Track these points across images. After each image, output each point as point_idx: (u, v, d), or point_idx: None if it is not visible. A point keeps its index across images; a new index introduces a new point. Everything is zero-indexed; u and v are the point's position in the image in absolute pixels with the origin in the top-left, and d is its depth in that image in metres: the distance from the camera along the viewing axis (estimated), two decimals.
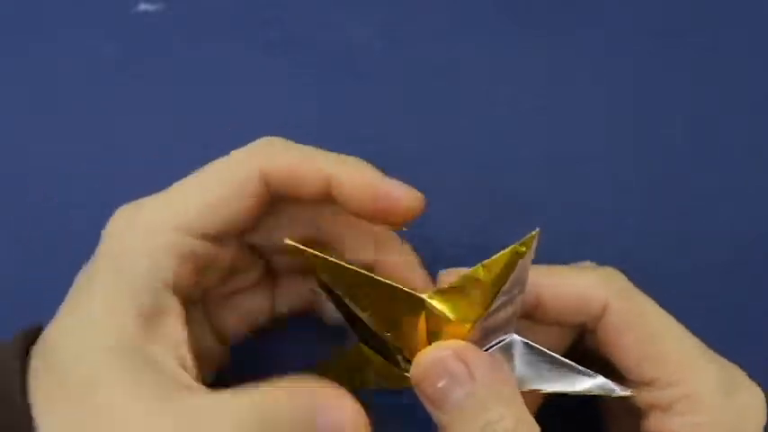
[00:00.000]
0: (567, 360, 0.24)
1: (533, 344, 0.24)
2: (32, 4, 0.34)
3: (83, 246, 0.32)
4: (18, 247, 0.32)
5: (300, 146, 0.25)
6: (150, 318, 0.22)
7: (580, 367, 0.24)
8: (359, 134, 0.33)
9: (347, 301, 0.23)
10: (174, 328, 0.23)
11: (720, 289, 0.32)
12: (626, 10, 0.34)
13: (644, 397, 0.24)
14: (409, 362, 0.23)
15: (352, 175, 0.24)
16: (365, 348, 0.25)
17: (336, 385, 0.22)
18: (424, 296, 0.23)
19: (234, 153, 0.25)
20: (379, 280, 0.23)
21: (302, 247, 0.23)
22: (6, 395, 0.21)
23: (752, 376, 0.25)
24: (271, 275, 0.29)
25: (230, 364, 0.28)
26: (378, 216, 0.24)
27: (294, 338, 0.31)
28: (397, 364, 0.24)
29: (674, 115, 0.33)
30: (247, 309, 0.28)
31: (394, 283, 0.23)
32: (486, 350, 0.24)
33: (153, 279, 0.23)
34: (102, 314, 0.22)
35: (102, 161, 0.33)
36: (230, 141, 0.33)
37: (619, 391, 0.23)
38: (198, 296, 0.26)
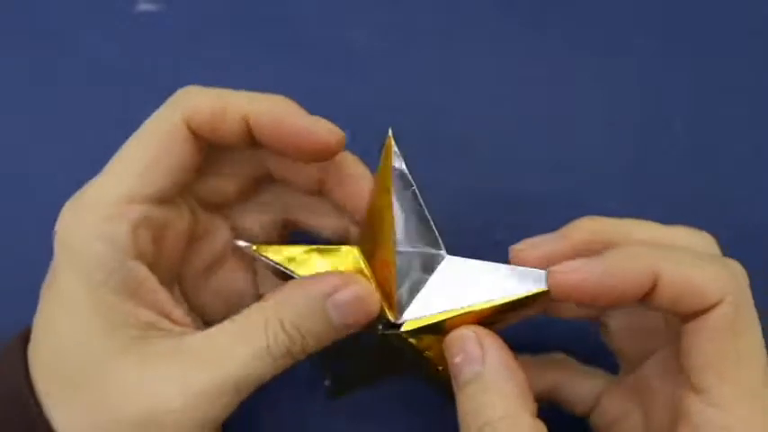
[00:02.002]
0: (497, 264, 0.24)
1: (461, 258, 0.25)
2: (33, 5, 0.34)
3: None
4: (17, 246, 0.32)
5: (219, 89, 0.25)
6: (132, 294, 0.23)
7: (517, 268, 0.24)
8: (359, 134, 0.33)
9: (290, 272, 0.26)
10: (161, 296, 0.24)
11: None
12: (626, 10, 0.34)
13: (688, 398, 0.23)
14: None
15: (269, 113, 0.24)
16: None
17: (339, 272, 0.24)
18: (351, 247, 0.25)
19: (156, 112, 0.25)
20: (309, 247, 0.26)
21: (244, 244, 0.26)
22: (18, 397, 0.22)
23: None
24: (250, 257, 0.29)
25: None
26: (297, 152, 0.25)
27: None
28: None
29: (674, 115, 0.33)
30: (227, 290, 0.28)
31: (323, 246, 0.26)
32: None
33: (115, 256, 0.23)
34: (87, 313, 0.23)
35: (103, 161, 0.33)
36: None
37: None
38: (172, 273, 0.26)
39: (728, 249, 0.32)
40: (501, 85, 0.34)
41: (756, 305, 0.32)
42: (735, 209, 0.33)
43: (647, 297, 0.23)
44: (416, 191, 0.24)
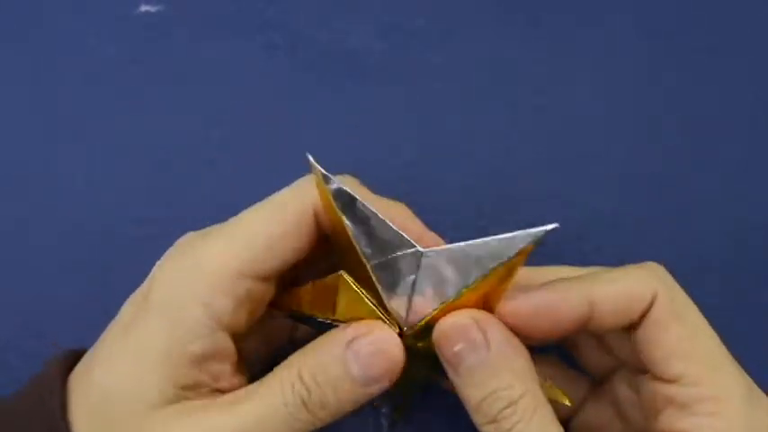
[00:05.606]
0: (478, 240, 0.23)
1: (439, 247, 0.24)
2: (35, 6, 0.34)
3: (82, 244, 0.32)
4: (16, 246, 0.32)
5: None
6: (203, 361, 0.23)
7: (496, 236, 0.23)
8: (359, 134, 0.33)
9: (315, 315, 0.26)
10: (225, 367, 0.24)
11: (720, 289, 0.32)
12: (626, 10, 0.34)
13: (664, 392, 0.24)
14: None
15: (393, 220, 0.24)
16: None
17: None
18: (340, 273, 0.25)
19: (288, 190, 0.25)
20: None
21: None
22: (49, 415, 0.23)
23: (752, 376, 0.25)
24: None
25: None
26: None
27: None
28: None
29: (674, 115, 0.33)
30: (268, 334, 0.28)
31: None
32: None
33: (209, 325, 0.23)
34: (156, 364, 0.23)
35: (103, 161, 0.33)
36: (230, 141, 0.33)
37: (545, 228, 0.23)
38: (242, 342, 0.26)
39: (728, 249, 0.32)
40: (501, 84, 0.34)
41: (752, 304, 0.32)
42: (734, 209, 0.33)
43: (586, 322, 0.24)
44: (362, 202, 0.23)
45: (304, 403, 0.23)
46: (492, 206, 0.33)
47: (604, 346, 0.28)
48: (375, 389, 0.23)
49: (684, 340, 0.24)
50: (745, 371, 0.25)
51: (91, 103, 0.33)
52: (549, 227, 0.22)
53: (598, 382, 0.29)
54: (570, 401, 0.25)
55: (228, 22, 0.34)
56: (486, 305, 0.24)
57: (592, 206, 0.33)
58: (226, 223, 0.25)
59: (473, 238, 0.30)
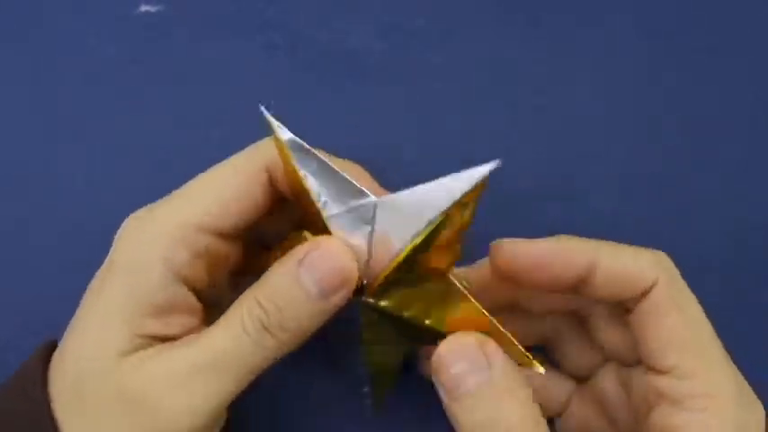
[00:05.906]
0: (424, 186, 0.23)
1: (392, 194, 0.23)
2: (35, 6, 0.34)
3: (82, 244, 0.32)
4: (16, 246, 0.32)
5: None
6: (167, 313, 0.24)
7: (446, 177, 0.23)
8: (359, 134, 0.33)
9: None
10: (192, 321, 0.24)
11: (720, 289, 0.32)
12: (626, 10, 0.34)
13: (656, 384, 0.24)
14: None
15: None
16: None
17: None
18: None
19: (242, 152, 0.26)
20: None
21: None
22: (32, 404, 0.23)
23: (752, 376, 0.25)
24: None
25: None
26: None
27: None
28: None
29: (674, 115, 0.33)
30: None
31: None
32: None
33: (168, 276, 0.23)
34: (123, 323, 0.23)
35: (103, 161, 0.33)
36: (230, 141, 0.33)
37: (488, 166, 0.22)
38: (211, 303, 0.26)
39: (728, 250, 0.32)
40: (501, 84, 0.34)
41: (752, 304, 0.32)
42: (734, 209, 0.33)
43: (583, 284, 0.24)
44: (315, 152, 0.23)
45: (265, 328, 0.23)
46: (491, 205, 0.33)
47: (592, 339, 0.28)
48: (336, 300, 0.23)
49: (681, 330, 0.24)
50: (745, 371, 0.25)
51: (91, 103, 0.33)
52: (493, 164, 0.22)
53: (583, 380, 0.29)
54: (542, 368, 0.24)
55: (228, 22, 0.34)
56: (450, 247, 0.24)
57: (592, 206, 0.33)
58: (182, 187, 0.25)
59: (470, 238, 0.30)
